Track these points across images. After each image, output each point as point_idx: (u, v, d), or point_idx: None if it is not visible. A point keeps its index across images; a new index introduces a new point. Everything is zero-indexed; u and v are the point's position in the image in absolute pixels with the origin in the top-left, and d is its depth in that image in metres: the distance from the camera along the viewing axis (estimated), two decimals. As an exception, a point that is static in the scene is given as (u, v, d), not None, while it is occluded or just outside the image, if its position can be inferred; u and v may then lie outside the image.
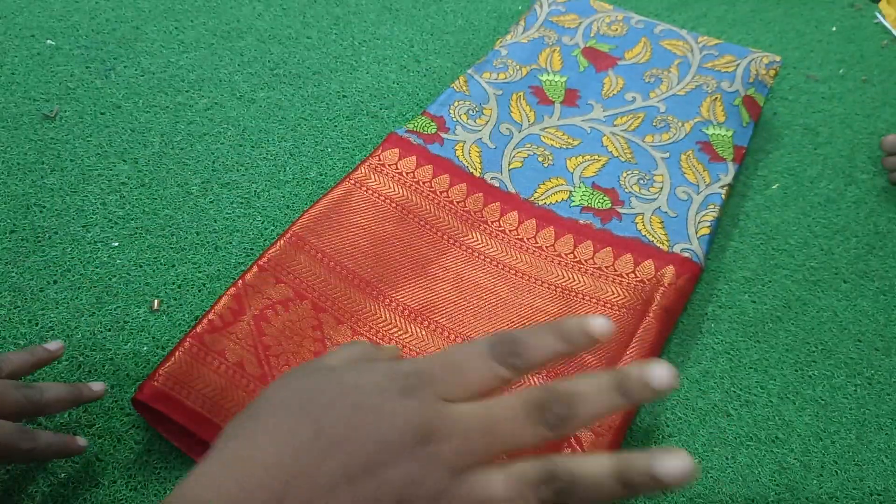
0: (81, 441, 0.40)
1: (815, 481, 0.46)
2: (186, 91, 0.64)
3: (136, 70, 0.65)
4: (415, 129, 0.59)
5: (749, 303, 0.55)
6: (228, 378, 0.44)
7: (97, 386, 0.42)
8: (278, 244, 0.50)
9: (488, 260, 0.54)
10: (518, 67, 0.66)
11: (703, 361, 0.51)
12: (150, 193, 0.56)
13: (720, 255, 0.58)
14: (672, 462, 0.22)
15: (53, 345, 0.42)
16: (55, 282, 0.50)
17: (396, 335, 0.49)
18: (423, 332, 0.49)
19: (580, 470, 0.23)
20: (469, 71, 0.65)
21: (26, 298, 0.49)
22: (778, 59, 0.67)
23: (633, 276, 0.52)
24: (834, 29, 0.82)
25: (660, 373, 0.23)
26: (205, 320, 0.45)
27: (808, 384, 0.50)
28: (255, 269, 0.48)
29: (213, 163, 0.59)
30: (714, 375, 0.50)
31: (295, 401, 0.26)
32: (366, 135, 0.63)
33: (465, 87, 0.64)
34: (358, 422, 0.24)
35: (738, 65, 0.67)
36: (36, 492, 0.41)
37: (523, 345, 0.25)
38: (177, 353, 0.43)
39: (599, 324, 0.25)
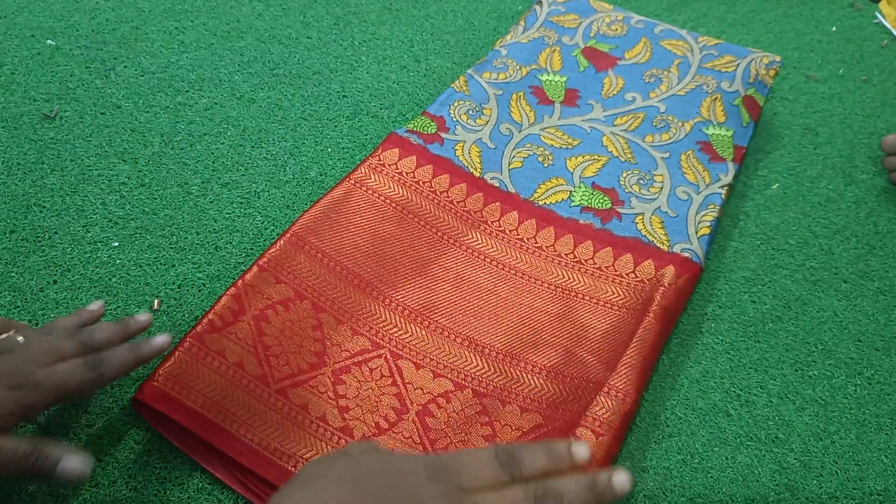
0: (160, 339, 0.41)
1: (815, 481, 0.46)
2: (186, 91, 0.64)
3: (136, 70, 0.65)
4: (415, 128, 0.59)
5: (749, 303, 0.55)
6: (228, 378, 0.44)
7: (143, 317, 0.44)
8: (278, 244, 0.50)
9: (488, 260, 0.54)
10: (518, 67, 0.66)
11: (703, 361, 0.51)
12: (150, 193, 0.56)
13: (720, 255, 0.58)
14: (623, 477, 0.32)
15: (142, 316, 0.44)
16: (55, 282, 0.50)
17: (396, 335, 0.49)
18: (424, 332, 0.49)
19: (565, 483, 0.32)
20: (469, 71, 0.65)
21: (26, 298, 0.49)
22: (778, 59, 0.67)
23: (632, 276, 0.52)
24: (834, 29, 0.82)
25: (621, 479, 0.32)
26: (205, 320, 0.45)
27: (808, 384, 0.50)
28: (255, 269, 0.48)
29: (213, 163, 0.59)
30: (714, 375, 0.50)
31: (341, 474, 0.31)
32: (366, 135, 0.63)
33: (465, 88, 0.63)
34: (399, 497, 0.30)
35: (738, 65, 0.67)
36: (36, 492, 0.41)
37: (520, 459, 0.32)
38: (177, 353, 0.43)
39: (581, 450, 0.33)
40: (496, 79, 0.65)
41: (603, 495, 0.32)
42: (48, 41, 0.66)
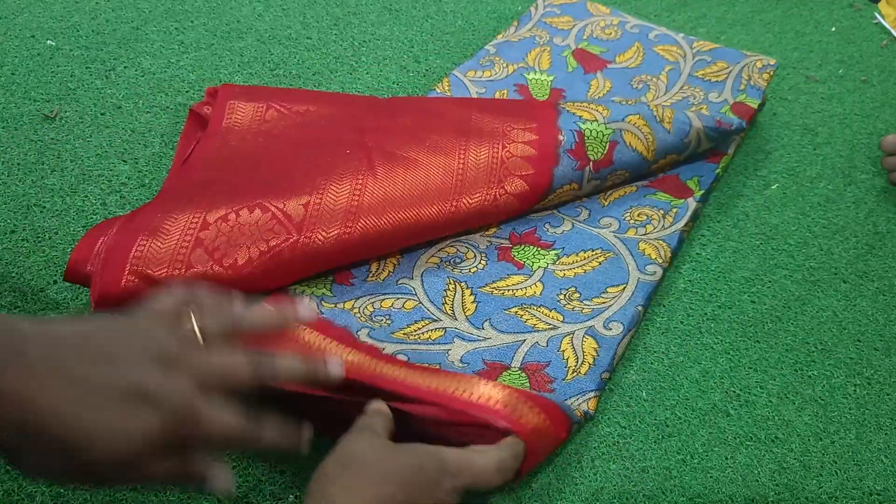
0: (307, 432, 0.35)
1: (814, 481, 0.46)
2: (187, 91, 0.64)
3: (136, 70, 0.65)
4: None
5: (749, 303, 0.55)
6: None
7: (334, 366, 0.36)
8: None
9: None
10: (505, 65, 0.66)
11: (703, 361, 0.51)
12: (151, 194, 0.56)
13: (720, 255, 0.58)
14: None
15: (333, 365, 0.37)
16: (55, 282, 0.50)
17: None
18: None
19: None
20: (454, 71, 0.65)
21: (26, 298, 0.49)
22: (773, 62, 0.67)
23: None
24: (833, 29, 0.82)
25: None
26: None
27: (807, 384, 0.50)
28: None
29: (213, 163, 0.59)
30: (714, 375, 0.50)
31: (372, 469, 0.33)
32: (366, 135, 0.63)
33: (447, 89, 0.63)
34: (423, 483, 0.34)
35: (729, 72, 0.66)
36: (36, 492, 0.41)
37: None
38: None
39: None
40: (480, 77, 0.65)
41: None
42: (48, 42, 0.67)
